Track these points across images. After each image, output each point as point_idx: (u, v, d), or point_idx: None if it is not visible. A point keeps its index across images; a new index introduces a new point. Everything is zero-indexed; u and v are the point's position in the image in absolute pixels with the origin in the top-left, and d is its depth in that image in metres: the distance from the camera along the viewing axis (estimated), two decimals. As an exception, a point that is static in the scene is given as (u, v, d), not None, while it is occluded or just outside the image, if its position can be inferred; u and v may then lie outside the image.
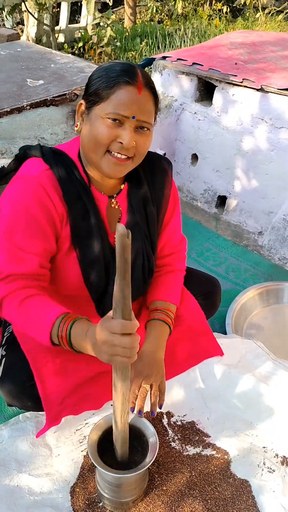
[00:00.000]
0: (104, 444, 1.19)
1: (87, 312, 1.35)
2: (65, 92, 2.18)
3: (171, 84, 2.63)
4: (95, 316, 1.28)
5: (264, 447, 1.38)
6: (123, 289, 0.86)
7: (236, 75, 2.29)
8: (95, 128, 1.12)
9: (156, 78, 2.68)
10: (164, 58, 2.63)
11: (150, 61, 2.69)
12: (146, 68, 2.79)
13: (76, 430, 1.38)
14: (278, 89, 2.16)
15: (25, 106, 2.06)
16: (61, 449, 1.34)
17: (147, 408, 1.29)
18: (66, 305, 1.32)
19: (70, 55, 2.85)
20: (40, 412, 1.38)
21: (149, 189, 1.33)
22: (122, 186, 1.32)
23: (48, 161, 1.19)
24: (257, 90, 2.24)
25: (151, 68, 2.72)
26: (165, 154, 2.55)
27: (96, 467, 1.18)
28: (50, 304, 1.15)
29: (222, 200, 2.72)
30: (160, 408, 1.28)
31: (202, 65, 2.43)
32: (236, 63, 2.43)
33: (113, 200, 1.30)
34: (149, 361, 1.30)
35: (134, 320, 0.92)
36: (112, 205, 1.30)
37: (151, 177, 1.34)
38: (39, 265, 1.19)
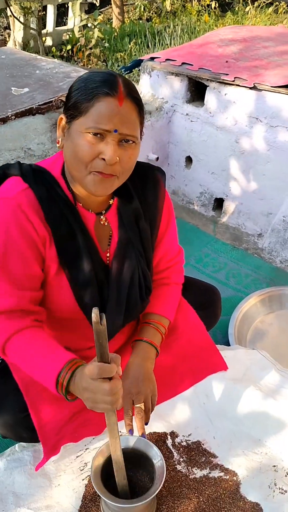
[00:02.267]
0: (107, 471, 1.13)
1: (85, 335, 1.29)
2: (51, 99, 2.11)
3: (161, 86, 2.56)
4: (93, 339, 1.22)
5: (274, 466, 1.32)
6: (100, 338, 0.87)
7: (227, 74, 2.23)
8: (76, 144, 1.04)
9: (145, 80, 2.61)
10: (152, 59, 2.56)
11: (138, 63, 2.63)
12: (135, 70, 2.73)
13: (77, 456, 1.32)
14: (271, 86, 2.10)
15: (9, 116, 1.99)
16: (61, 479, 1.28)
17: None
18: (63, 329, 1.26)
19: (55, 60, 2.78)
20: (37, 442, 1.32)
21: (140, 203, 1.25)
22: (111, 202, 1.24)
23: (28, 180, 1.11)
24: (250, 88, 2.18)
25: (139, 69, 2.65)
26: (158, 158, 2.49)
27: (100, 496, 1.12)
28: (53, 348, 1.12)
29: (219, 203, 2.66)
30: (146, 424, 1.24)
31: (192, 65, 2.36)
32: (227, 61, 2.36)
33: (102, 217, 1.22)
34: (136, 376, 1.24)
35: (113, 362, 0.90)
36: (101, 222, 1.22)
37: (142, 190, 1.26)
38: (28, 302, 1.14)
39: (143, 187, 1.27)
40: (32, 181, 1.11)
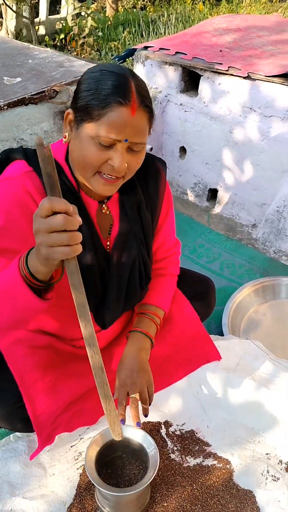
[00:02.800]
0: (102, 460, 1.14)
1: None
2: (44, 89, 2.09)
3: (155, 75, 2.54)
4: (95, 328, 1.22)
5: (267, 454, 1.34)
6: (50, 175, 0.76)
7: (221, 63, 2.21)
8: (85, 148, 1.03)
9: (138, 69, 2.59)
10: (146, 48, 2.54)
11: (131, 52, 2.60)
12: (128, 59, 2.70)
13: (71, 446, 1.33)
14: (265, 76, 2.08)
15: (2, 106, 1.97)
16: (56, 468, 1.29)
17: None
18: (62, 316, 1.26)
19: (48, 49, 2.75)
20: (32, 432, 1.32)
21: (142, 193, 1.26)
22: None
23: (32, 164, 1.10)
24: (244, 78, 2.16)
25: (133, 59, 2.62)
26: (152, 148, 2.47)
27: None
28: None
29: (213, 193, 2.65)
30: (146, 417, 1.23)
31: (186, 54, 2.34)
32: (221, 50, 2.34)
33: (104, 206, 1.22)
34: (131, 367, 1.24)
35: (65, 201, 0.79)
36: (103, 211, 1.22)
37: (144, 180, 1.27)
38: None
39: (145, 177, 1.27)
40: (36, 165, 1.09)
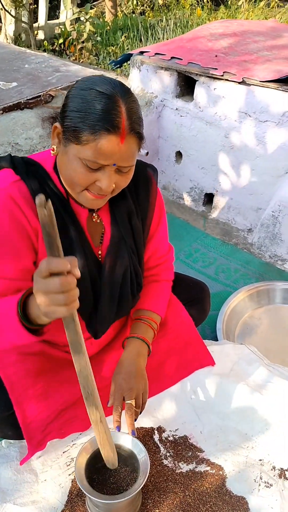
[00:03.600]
0: (92, 467, 1.13)
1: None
2: (40, 94, 2.09)
3: (150, 80, 2.54)
4: (86, 337, 1.22)
5: (260, 460, 1.33)
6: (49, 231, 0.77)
7: (216, 68, 2.22)
8: (72, 169, 1.02)
9: (134, 74, 2.59)
10: (141, 53, 2.54)
11: (127, 57, 2.61)
12: (125, 65, 2.70)
13: (63, 452, 1.32)
14: (260, 81, 2.09)
15: (-3, 111, 1.97)
16: (48, 474, 1.28)
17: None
18: (54, 324, 1.25)
19: (45, 54, 2.76)
20: (23, 440, 1.32)
21: (133, 201, 1.25)
22: None
23: (19, 172, 1.10)
24: (239, 83, 2.16)
25: (129, 64, 2.63)
26: (147, 153, 2.47)
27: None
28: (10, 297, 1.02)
29: (209, 198, 2.66)
30: (135, 420, 1.21)
31: (181, 59, 2.34)
32: (216, 56, 2.35)
33: (94, 214, 1.21)
34: (129, 372, 1.23)
35: (63, 257, 0.80)
36: (93, 219, 1.22)
37: (134, 188, 1.26)
38: (15, 290, 1.10)
39: (136, 185, 1.26)
40: (24, 174, 1.09)
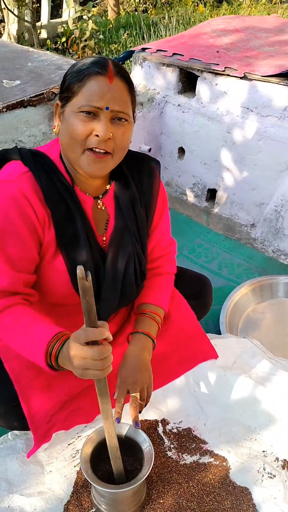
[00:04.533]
0: (97, 458, 1.15)
1: (78, 321, 1.29)
2: (43, 92, 2.11)
3: (153, 77, 2.55)
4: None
5: (263, 451, 1.34)
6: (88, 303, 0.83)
7: (218, 64, 2.22)
8: (70, 124, 1.07)
9: (136, 71, 2.60)
10: (143, 49, 2.55)
11: (129, 54, 2.62)
12: (127, 61, 2.71)
13: (68, 444, 1.34)
14: (261, 76, 2.09)
15: (1, 108, 1.99)
16: (53, 466, 1.30)
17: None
18: (54, 314, 1.27)
19: (48, 52, 2.77)
20: (28, 430, 1.34)
21: (137, 189, 1.27)
22: (108, 187, 1.25)
23: (27, 164, 1.13)
24: (241, 78, 2.17)
25: (131, 61, 2.64)
26: (150, 149, 2.49)
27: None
28: (42, 322, 1.11)
29: (212, 193, 2.66)
30: (139, 413, 1.24)
31: (183, 55, 2.35)
32: (218, 51, 2.35)
33: (99, 201, 1.23)
34: (134, 366, 1.25)
35: (100, 327, 0.87)
36: (98, 207, 1.24)
37: (138, 177, 1.28)
38: (23, 282, 1.15)
39: (139, 174, 1.29)
40: (32, 165, 1.12)
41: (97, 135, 1.05)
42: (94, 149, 1.07)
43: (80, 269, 0.79)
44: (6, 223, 1.10)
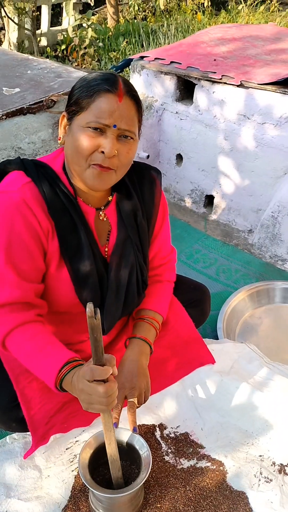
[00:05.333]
0: (95, 462, 1.16)
1: (80, 329, 1.31)
2: (42, 99, 2.13)
3: (151, 84, 2.58)
4: (87, 333, 1.24)
5: (260, 456, 1.34)
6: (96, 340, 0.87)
7: (215, 72, 2.25)
8: (76, 138, 1.07)
9: (135, 78, 2.63)
10: (142, 58, 2.58)
11: (128, 62, 2.65)
12: (125, 69, 2.74)
13: (66, 448, 1.34)
14: (258, 84, 2.12)
15: (0, 116, 2.01)
16: (51, 470, 1.30)
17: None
18: (58, 323, 1.28)
19: (47, 59, 2.80)
20: (27, 433, 1.34)
21: (138, 200, 1.28)
22: (110, 198, 1.26)
23: (30, 174, 1.14)
24: (238, 86, 2.19)
25: (129, 69, 2.67)
26: (148, 156, 2.51)
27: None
28: (54, 345, 1.14)
29: (210, 200, 2.68)
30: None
31: (181, 64, 2.38)
32: (215, 60, 2.38)
33: (101, 213, 1.24)
34: (131, 371, 1.25)
35: (107, 362, 0.91)
36: (100, 218, 1.25)
37: (139, 188, 1.30)
38: (34, 292, 1.16)
39: (140, 184, 1.30)
40: (34, 175, 1.13)
41: (102, 152, 1.06)
42: (97, 166, 1.09)
43: (89, 308, 0.82)
44: (14, 234, 1.10)
